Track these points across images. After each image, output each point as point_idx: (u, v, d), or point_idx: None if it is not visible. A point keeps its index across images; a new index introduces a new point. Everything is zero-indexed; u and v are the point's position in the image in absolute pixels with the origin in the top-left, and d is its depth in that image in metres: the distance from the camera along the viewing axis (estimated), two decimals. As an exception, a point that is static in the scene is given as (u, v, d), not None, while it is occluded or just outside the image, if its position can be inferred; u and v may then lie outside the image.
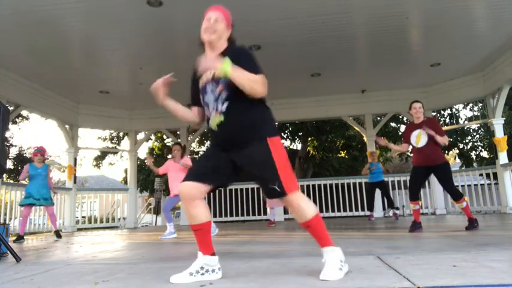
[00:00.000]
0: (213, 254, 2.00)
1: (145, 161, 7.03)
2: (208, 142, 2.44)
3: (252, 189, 9.61)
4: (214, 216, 9.64)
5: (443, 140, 4.34)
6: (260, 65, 1.96)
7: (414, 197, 4.60)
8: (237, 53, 1.96)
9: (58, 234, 6.07)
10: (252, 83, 1.86)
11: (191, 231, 2.04)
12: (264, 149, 1.88)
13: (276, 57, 6.78)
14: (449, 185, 4.44)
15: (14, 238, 5.74)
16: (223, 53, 1.98)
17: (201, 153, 16.06)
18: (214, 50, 2.02)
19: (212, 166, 1.98)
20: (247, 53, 1.99)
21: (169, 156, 6.68)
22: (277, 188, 1.84)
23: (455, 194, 4.43)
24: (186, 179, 1.97)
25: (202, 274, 1.94)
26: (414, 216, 4.56)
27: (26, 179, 6.11)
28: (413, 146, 4.52)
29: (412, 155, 4.85)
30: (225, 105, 1.93)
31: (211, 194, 9.63)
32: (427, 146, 4.38)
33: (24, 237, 5.90)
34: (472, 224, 4.31)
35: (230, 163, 1.96)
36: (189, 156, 5.90)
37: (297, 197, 1.90)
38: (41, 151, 6.01)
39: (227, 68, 1.81)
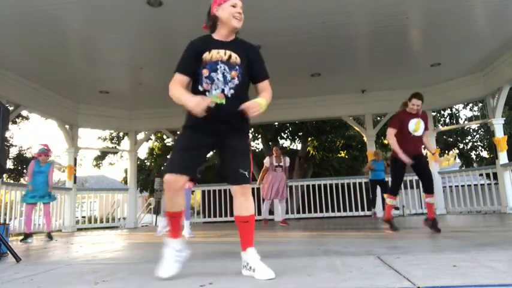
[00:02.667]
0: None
1: None
2: (190, 124, 2.45)
3: (252, 189, 9.57)
4: (214, 216, 9.63)
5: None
6: None
7: (397, 191, 4.58)
8: (252, 50, 2.17)
9: (50, 235, 6.00)
10: (270, 99, 2.14)
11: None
12: (246, 144, 2.14)
13: (276, 57, 6.75)
14: (430, 173, 4.48)
15: (21, 237, 5.86)
16: (234, 41, 2.15)
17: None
18: (229, 33, 2.14)
19: (196, 157, 2.12)
20: (260, 53, 2.19)
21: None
22: (247, 175, 2.07)
23: (432, 186, 4.44)
24: (176, 170, 2.04)
25: (179, 256, 2.10)
26: (389, 214, 4.54)
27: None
28: (407, 134, 4.42)
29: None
30: (232, 91, 2.06)
31: (212, 194, 9.65)
32: (420, 137, 4.45)
33: (33, 235, 5.98)
34: (435, 225, 4.31)
35: (206, 152, 2.19)
36: None
37: (250, 191, 2.14)
38: (44, 151, 6.05)
39: (264, 106, 2.05)
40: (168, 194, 2.08)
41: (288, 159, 7.39)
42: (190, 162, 2.09)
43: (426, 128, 4.49)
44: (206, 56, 2.07)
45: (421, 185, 4.69)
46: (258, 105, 2.01)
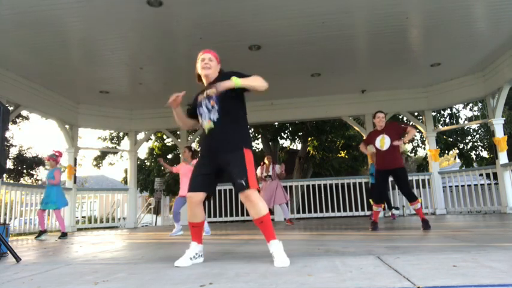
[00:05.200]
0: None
1: (160, 164, 7.67)
2: (200, 153, 3.02)
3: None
4: (215, 216, 9.65)
5: (408, 137, 4.81)
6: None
7: (378, 200, 5.09)
8: (231, 74, 2.59)
9: (64, 234, 6.13)
10: (256, 81, 2.54)
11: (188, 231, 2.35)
12: (240, 156, 2.52)
13: (276, 57, 6.78)
14: (406, 187, 4.91)
15: (36, 235, 6.14)
16: (216, 80, 2.60)
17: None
18: (209, 79, 2.69)
19: (206, 179, 2.60)
20: (236, 71, 2.65)
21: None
22: (243, 183, 2.43)
23: (411, 196, 4.85)
24: (194, 189, 2.59)
25: (196, 258, 2.56)
26: (374, 217, 5.05)
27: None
28: (378, 150, 4.91)
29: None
30: (216, 116, 2.57)
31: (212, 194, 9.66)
32: (389, 150, 4.81)
33: (47, 232, 6.26)
34: (427, 224, 4.63)
35: (216, 171, 2.59)
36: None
37: (256, 195, 2.47)
38: (53, 156, 6.15)
39: (237, 80, 2.47)
40: (189, 207, 2.60)
41: (277, 166, 7.48)
42: (202, 183, 2.60)
43: (394, 138, 4.79)
44: (198, 100, 2.70)
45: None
46: (230, 81, 2.45)
